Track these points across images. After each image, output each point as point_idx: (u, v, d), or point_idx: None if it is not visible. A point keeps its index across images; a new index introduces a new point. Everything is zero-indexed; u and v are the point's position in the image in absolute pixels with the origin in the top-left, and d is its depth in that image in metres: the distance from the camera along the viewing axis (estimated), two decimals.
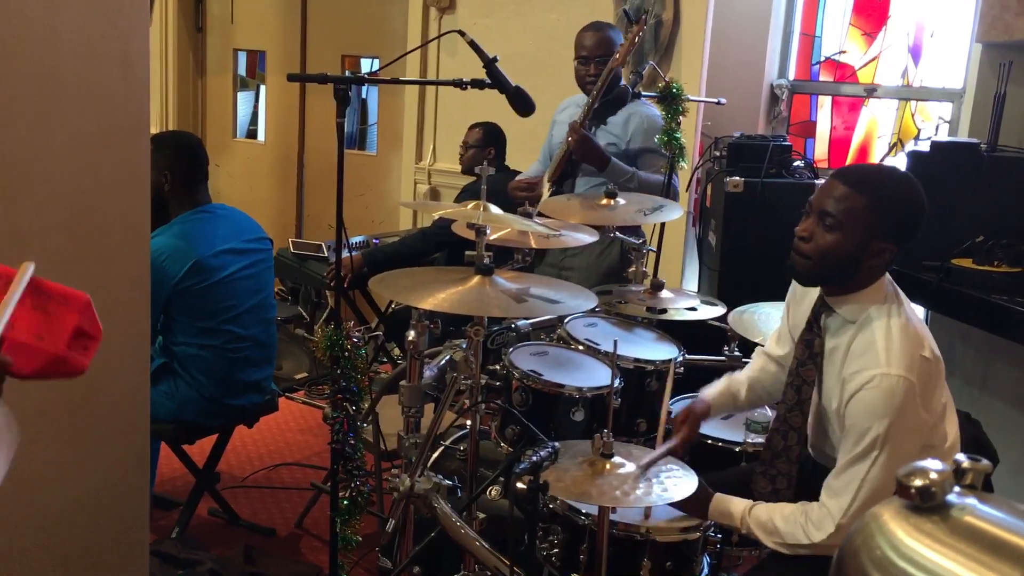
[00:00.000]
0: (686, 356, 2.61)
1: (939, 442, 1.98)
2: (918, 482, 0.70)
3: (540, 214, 2.79)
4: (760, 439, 2.36)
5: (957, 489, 0.71)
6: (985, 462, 0.72)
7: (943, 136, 3.87)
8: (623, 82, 3.38)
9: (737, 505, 2.00)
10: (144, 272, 2.16)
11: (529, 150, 4.09)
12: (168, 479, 3.55)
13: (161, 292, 2.86)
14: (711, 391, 2.35)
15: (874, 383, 1.82)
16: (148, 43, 2.08)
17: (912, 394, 1.82)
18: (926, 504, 0.70)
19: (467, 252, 2.17)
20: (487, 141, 4.13)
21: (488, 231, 2.18)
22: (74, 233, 1.96)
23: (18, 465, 1.92)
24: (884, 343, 1.86)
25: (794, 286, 2.22)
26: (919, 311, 3.13)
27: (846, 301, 1.96)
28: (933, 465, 0.72)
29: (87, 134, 1.96)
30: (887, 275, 1.99)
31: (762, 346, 2.43)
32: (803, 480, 2.04)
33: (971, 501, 0.70)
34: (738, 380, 2.36)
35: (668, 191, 3.24)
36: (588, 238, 2.57)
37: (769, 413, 2.39)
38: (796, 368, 2.06)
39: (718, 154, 3.64)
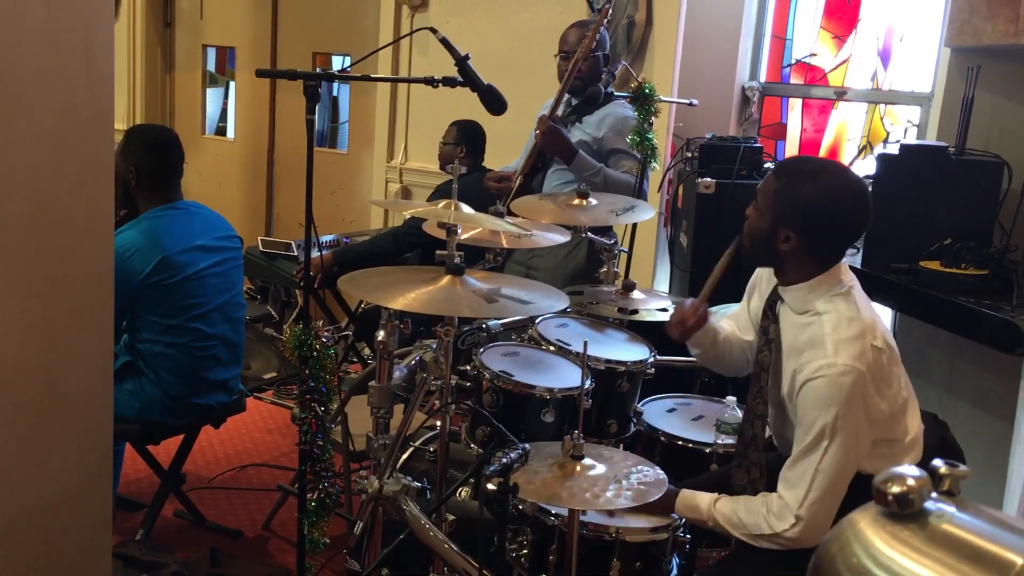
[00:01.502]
0: (657, 357, 2.60)
1: (900, 435, 2.01)
2: (895, 489, 0.69)
3: (511, 213, 2.77)
4: (731, 440, 2.36)
5: (934, 496, 0.70)
6: (963, 468, 0.71)
7: (912, 139, 3.90)
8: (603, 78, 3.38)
9: (703, 498, 2.02)
10: (108, 269, 2.12)
11: (502, 149, 4.08)
12: (133, 480, 3.49)
13: (126, 289, 2.81)
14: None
15: (821, 372, 1.85)
16: (112, 35, 2.04)
17: (861, 383, 1.84)
18: (903, 511, 0.69)
19: (438, 252, 2.15)
20: (458, 139, 4.11)
21: (459, 230, 2.16)
22: (35, 229, 1.92)
23: None
24: (833, 334, 1.89)
25: (755, 274, 2.29)
26: (887, 312, 3.15)
27: (794, 290, 2.01)
28: (910, 471, 0.71)
29: (49, 127, 1.92)
30: (843, 267, 2.02)
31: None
32: (772, 469, 2.06)
33: (949, 509, 0.69)
34: (720, 325, 2.39)
35: (639, 193, 3.23)
36: (560, 238, 2.56)
37: (739, 414, 2.39)
38: (756, 355, 2.11)
39: (689, 155, 3.64)
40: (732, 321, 2.43)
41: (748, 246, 2.07)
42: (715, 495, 2.02)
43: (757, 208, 2.02)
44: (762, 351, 2.08)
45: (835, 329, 1.89)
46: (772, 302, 2.08)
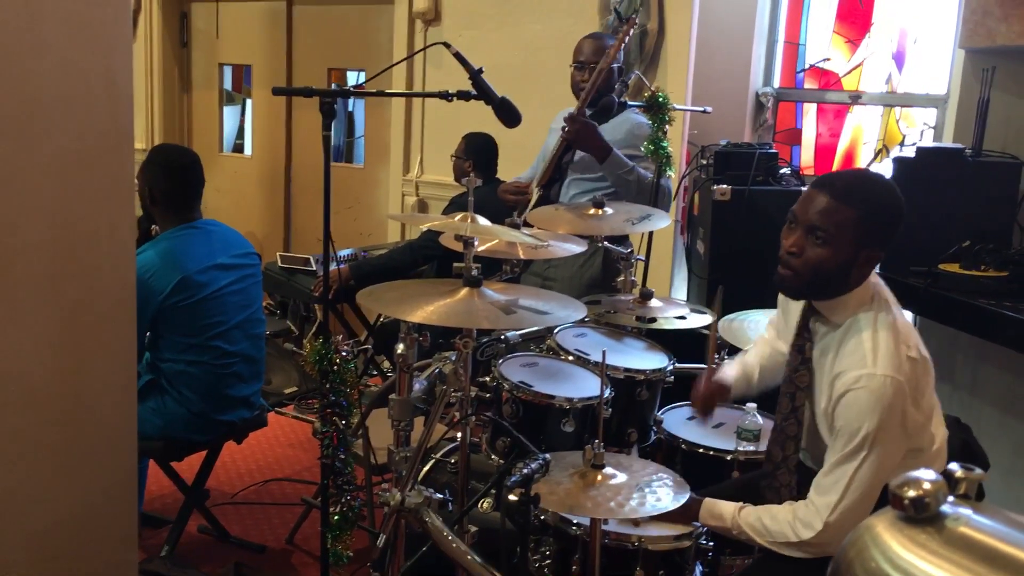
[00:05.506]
0: (676, 365, 2.60)
1: (927, 445, 1.99)
2: (911, 493, 0.69)
3: (527, 224, 2.78)
4: (751, 447, 2.36)
5: (951, 499, 0.70)
6: (978, 471, 0.71)
7: (928, 142, 3.89)
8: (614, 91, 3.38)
9: (727, 507, 2.01)
10: (130, 289, 2.14)
11: (517, 161, 4.09)
12: (157, 496, 3.52)
13: (147, 308, 2.84)
14: (729, 373, 2.37)
15: (862, 383, 1.83)
16: (131, 57, 2.07)
17: (901, 393, 1.83)
18: (920, 515, 0.69)
19: (455, 264, 2.16)
20: (466, 153, 4.12)
21: (476, 242, 2.17)
22: (57, 250, 1.95)
23: (4, 483, 1.91)
24: (871, 344, 1.87)
25: None
26: (907, 316, 3.13)
27: (834, 305, 1.97)
28: (926, 475, 0.71)
29: (70, 149, 1.95)
30: (874, 275, 1.99)
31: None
32: (803, 488, 2.04)
33: (965, 512, 0.69)
34: (750, 363, 2.38)
35: (656, 194, 3.22)
36: (576, 248, 2.57)
37: (760, 421, 2.38)
38: (790, 375, 2.06)
39: (705, 162, 3.64)
40: (772, 331, 2.37)
41: (815, 281, 1.93)
42: (739, 504, 2.01)
43: (832, 241, 1.88)
44: (798, 370, 2.03)
45: (873, 338, 1.87)
46: (806, 319, 2.03)
